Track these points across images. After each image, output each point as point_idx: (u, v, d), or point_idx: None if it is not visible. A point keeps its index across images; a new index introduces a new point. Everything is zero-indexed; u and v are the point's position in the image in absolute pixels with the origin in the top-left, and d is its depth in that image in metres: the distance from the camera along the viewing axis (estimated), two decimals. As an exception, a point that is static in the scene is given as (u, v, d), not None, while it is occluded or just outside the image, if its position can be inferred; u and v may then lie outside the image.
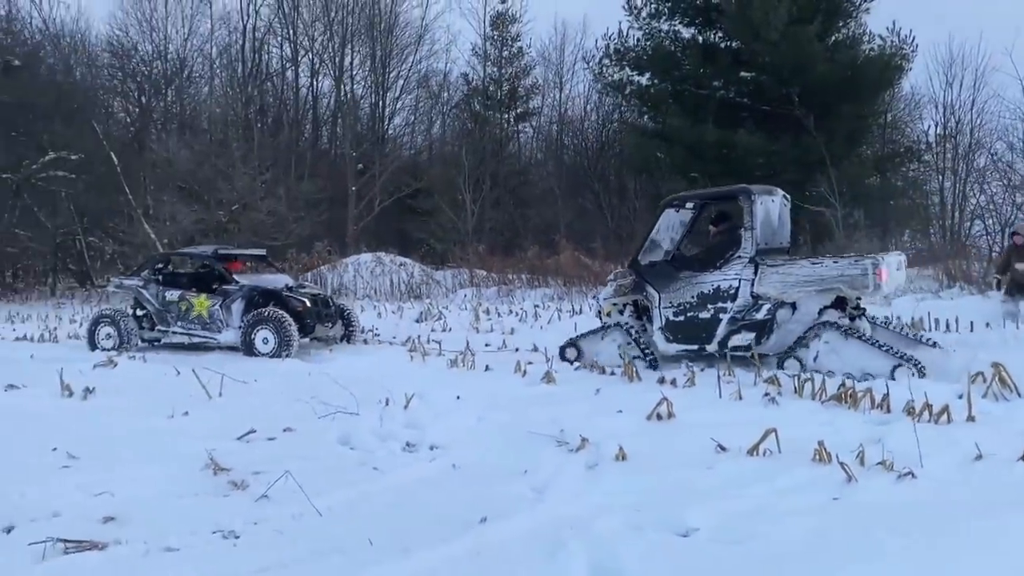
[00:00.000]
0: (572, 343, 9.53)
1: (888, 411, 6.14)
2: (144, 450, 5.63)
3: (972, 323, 10.01)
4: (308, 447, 5.71)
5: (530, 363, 9.09)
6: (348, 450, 5.74)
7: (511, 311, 15.29)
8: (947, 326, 10.21)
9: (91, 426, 6.35)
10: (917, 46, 23.08)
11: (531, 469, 5.05)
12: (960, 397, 6.28)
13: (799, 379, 6.98)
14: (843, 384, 6.80)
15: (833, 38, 22.96)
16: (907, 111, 28.74)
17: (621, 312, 9.39)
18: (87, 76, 30.13)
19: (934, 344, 8.71)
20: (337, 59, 33.75)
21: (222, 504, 4.56)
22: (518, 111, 35.58)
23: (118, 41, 32.78)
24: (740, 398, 6.81)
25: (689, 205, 9.43)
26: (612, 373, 8.44)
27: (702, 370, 8.07)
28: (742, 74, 23.20)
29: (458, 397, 7.27)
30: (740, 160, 21.52)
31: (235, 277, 11.50)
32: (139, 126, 31.77)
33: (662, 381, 7.68)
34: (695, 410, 6.37)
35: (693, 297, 8.64)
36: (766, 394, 6.77)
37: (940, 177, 27.73)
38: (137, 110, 33.08)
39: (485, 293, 19.10)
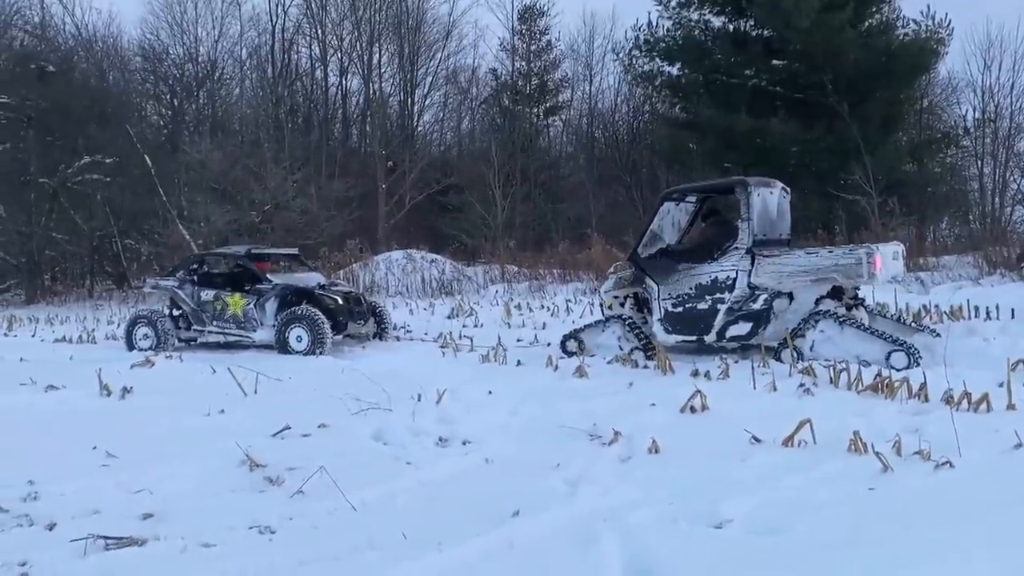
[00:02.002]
0: (573, 335, 9.62)
1: (926, 400, 6.06)
2: (181, 448, 5.69)
3: (1013, 310, 9.83)
4: (342, 443, 5.74)
5: (562, 357, 9.10)
6: (381, 445, 5.76)
7: (543, 306, 15.27)
8: (987, 313, 10.03)
9: (129, 425, 6.42)
10: (953, 29, 22.71)
11: (564, 463, 5.03)
12: (1000, 385, 6.18)
13: (834, 369, 6.91)
14: (879, 374, 6.71)
15: (866, 24, 22.64)
16: (944, 96, 28.25)
17: (622, 304, 9.50)
18: (120, 80, 30.63)
19: (934, 332, 8.72)
20: (365, 57, 33.99)
21: (258, 500, 4.59)
22: (547, 105, 35.48)
23: (149, 45, 33.30)
24: (775, 389, 6.74)
25: (690, 198, 9.49)
26: (644, 366, 8.42)
27: (736, 362, 8.00)
28: (774, 62, 23.00)
29: (490, 392, 7.28)
30: (773, 149, 21.34)
31: (268, 276, 11.60)
32: (172, 128, 32.20)
33: (696, 374, 7.63)
34: (729, 402, 6.32)
35: (691, 288, 8.70)
36: (801, 385, 6.69)
37: (979, 163, 27.24)
38: (169, 112, 33.55)
39: (516, 288, 19.05)
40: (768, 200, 8.78)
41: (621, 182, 31.60)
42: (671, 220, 9.42)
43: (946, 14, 22.53)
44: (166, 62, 33.43)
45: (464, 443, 5.75)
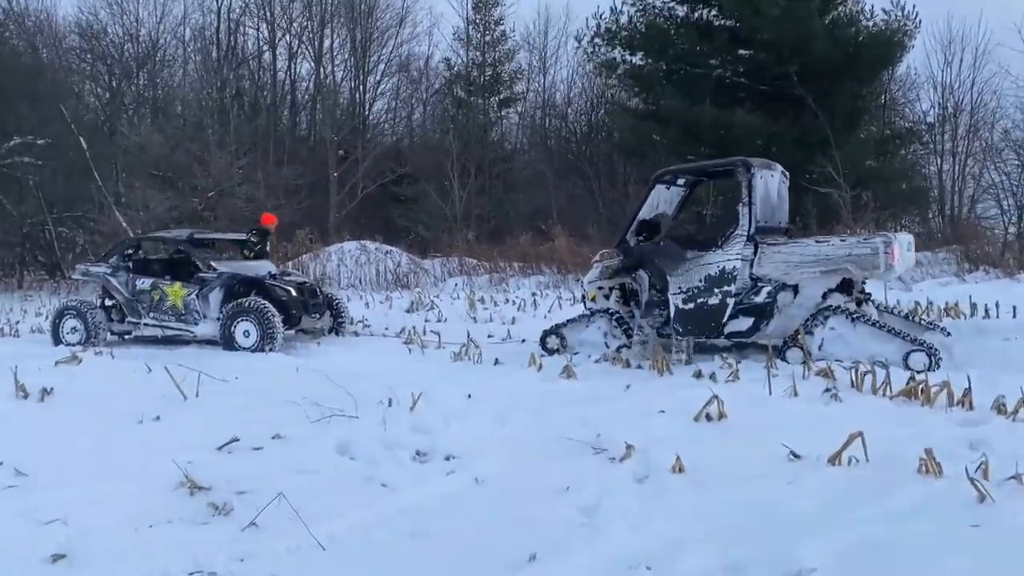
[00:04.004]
0: (555, 331, 8.83)
1: (971, 408, 5.32)
2: (107, 464, 4.79)
3: (1015, 308, 9.27)
4: (302, 458, 4.83)
5: (543, 355, 8.26)
6: (349, 461, 4.88)
7: (508, 300, 14.47)
8: (986, 311, 9.48)
9: (46, 434, 5.47)
10: (920, 22, 22.32)
11: (573, 485, 4.21)
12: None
13: (858, 372, 6.16)
14: (912, 378, 5.98)
15: (833, 14, 22.21)
16: (902, 92, 27.94)
17: (607, 297, 8.65)
18: (54, 58, 28.95)
19: (945, 331, 8.04)
20: (316, 42, 32.81)
21: (201, 534, 3.77)
22: (502, 96, 34.59)
23: (87, 23, 31.60)
24: (795, 394, 5.95)
25: (681, 181, 8.69)
26: (639, 367, 7.56)
27: (738, 362, 7.20)
28: (739, 52, 22.45)
29: (469, 396, 6.39)
30: (738, 141, 20.66)
31: (212, 264, 10.55)
32: (110, 110, 30.61)
33: (699, 375, 6.84)
34: (747, 409, 5.52)
35: (701, 281, 7.80)
36: (827, 390, 5.92)
37: (939, 160, 27.03)
38: (107, 94, 31.88)
39: (477, 281, 18.26)
40: (770, 183, 7.97)
41: (580, 174, 30.86)
42: (661, 205, 8.61)
43: (914, 6, 22.16)
44: (104, 41, 31.75)
45: (447, 458, 4.89)
